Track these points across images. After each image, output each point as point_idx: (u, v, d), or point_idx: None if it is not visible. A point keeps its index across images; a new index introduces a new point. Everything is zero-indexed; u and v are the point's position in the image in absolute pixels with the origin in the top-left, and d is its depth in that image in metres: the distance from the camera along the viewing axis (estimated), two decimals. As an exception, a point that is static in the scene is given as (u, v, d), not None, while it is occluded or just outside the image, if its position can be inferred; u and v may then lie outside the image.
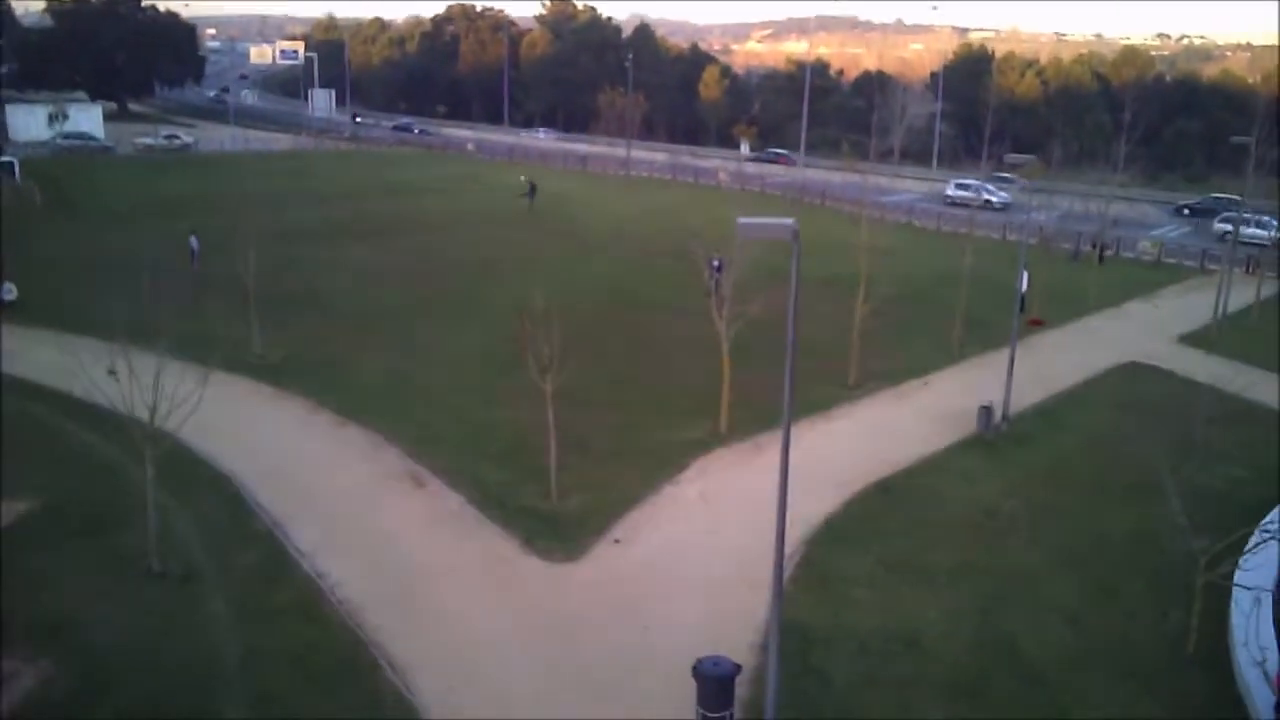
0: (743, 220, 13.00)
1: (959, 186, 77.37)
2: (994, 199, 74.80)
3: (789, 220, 12.85)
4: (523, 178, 64.26)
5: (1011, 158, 34.23)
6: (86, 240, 49.21)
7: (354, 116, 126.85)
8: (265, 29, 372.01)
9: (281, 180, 69.83)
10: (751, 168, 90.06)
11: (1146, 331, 39.03)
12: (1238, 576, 17.06)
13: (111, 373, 19.40)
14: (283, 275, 39.06)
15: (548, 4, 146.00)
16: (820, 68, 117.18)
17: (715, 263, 40.18)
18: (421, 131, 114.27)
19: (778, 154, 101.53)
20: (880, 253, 33.51)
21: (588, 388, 27.68)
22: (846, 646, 17.17)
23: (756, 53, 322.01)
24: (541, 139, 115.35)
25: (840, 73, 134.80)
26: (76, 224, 53.41)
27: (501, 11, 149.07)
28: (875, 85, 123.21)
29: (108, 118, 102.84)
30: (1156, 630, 17.94)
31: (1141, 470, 24.87)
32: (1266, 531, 20.84)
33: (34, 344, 32.01)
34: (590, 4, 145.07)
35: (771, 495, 21.73)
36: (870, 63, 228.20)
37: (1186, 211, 77.35)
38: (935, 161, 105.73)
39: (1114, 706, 15.91)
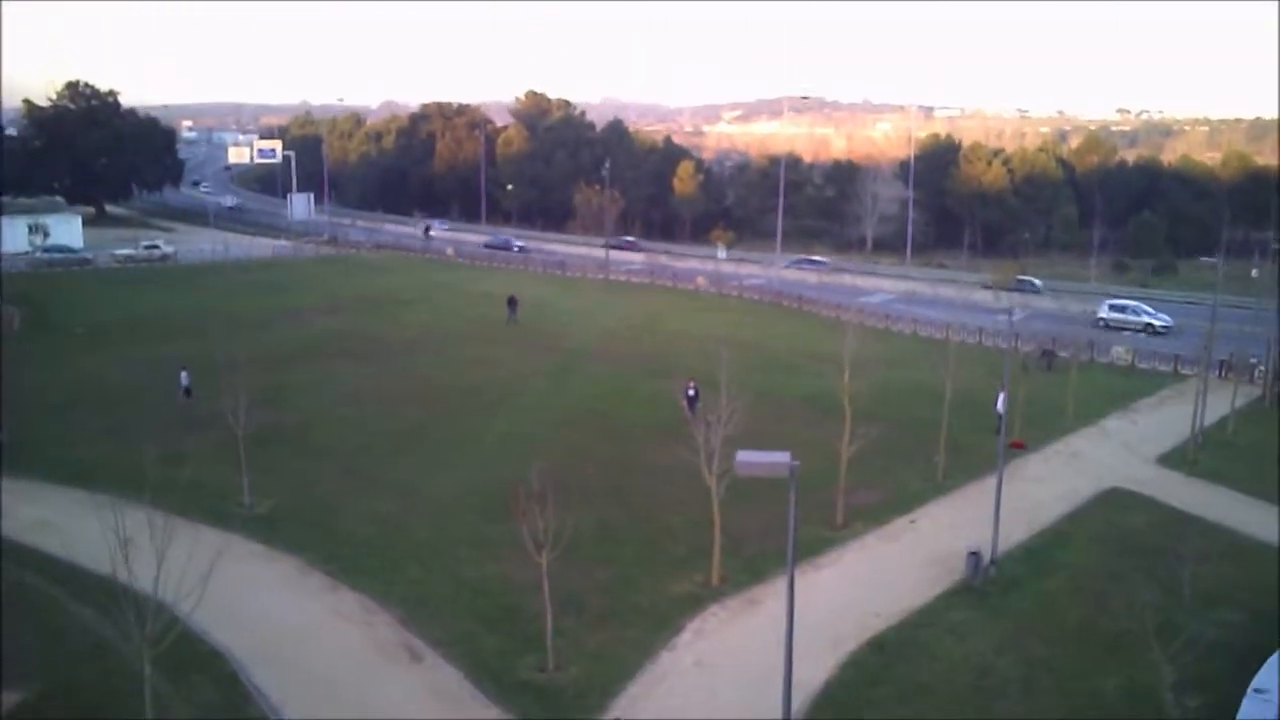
0: (741, 457, 13.42)
1: (1114, 309, 66.89)
2: (1155, 322, 65.54)
3: (785, 456, 13.26)
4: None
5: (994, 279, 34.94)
6: (70, 369, 49.26)
7: (426, 230, 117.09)
8: (241, 117, 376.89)
9: (263, 296, 70.25)
10: (728, 268, 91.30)
11: (1126, 452, 39.53)
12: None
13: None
14: (268, 407, 39.14)
15: (521, 98, 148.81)
16: (792, 161, 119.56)
17: (690, 390, 40.77)
18: (521, 249, 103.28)
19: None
20: (860, 364, 33.79)
21: (578, 535, 27.74)
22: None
23: (727, 134, 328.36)
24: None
25: (811, 165, 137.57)
26: (59, 350, 53.45)
27: (478, 109, 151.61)
28: (846, 175, 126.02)
29: (86, 222, 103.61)
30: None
31: (1130, 616, 25.24)
32: (1260, 693, 21.18)
33: (21, 499, 31.88)
34: (564, 97, 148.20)
35: (767, 659, 22.03)
36: (839, 143, 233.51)
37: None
38: (909, 252, 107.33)
39: None
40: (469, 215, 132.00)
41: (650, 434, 39.55)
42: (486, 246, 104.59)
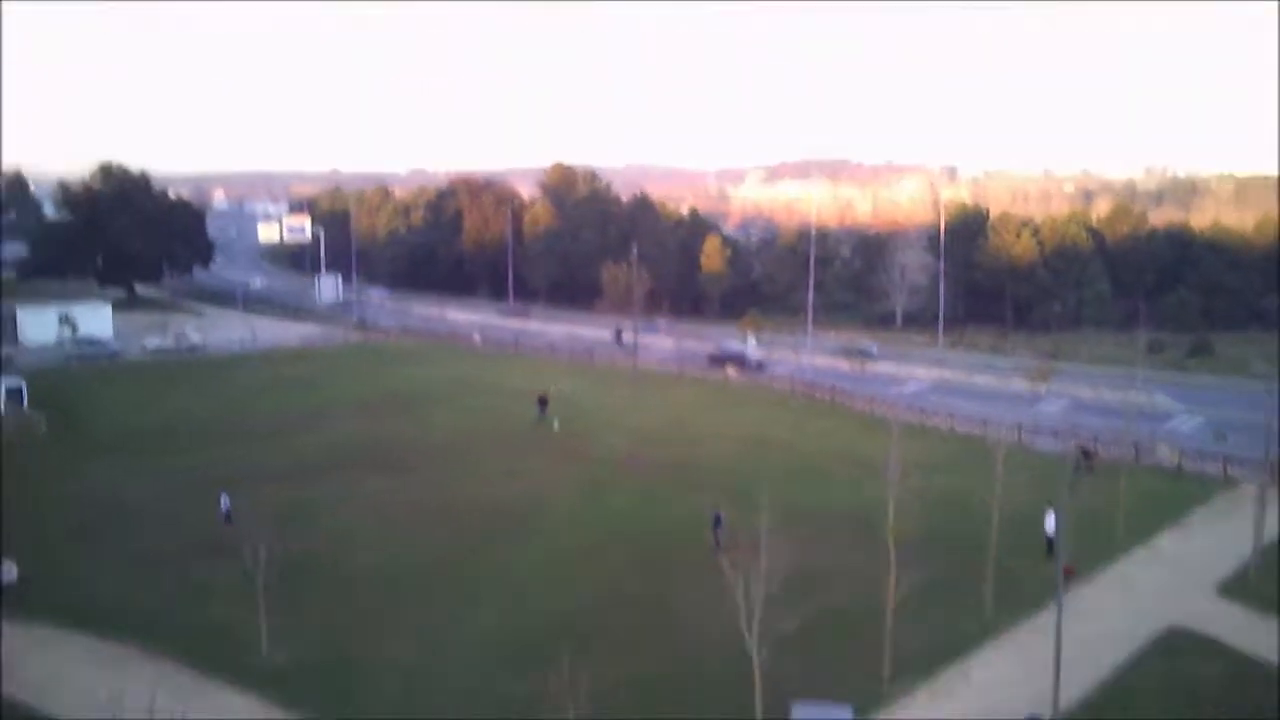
0: (797, 714, 12.18)
1: None
2: None
3: (847, 709, 12.07)
4: (551, 388, 63.92)
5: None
6: (94, 483, 48.55)
7: (618, 335, 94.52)
8: (272, 186, 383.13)
9: (291, 393, 69.80)
10: (757, 354, 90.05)
11: (1183, 580, 37.60)
12: None
13: None
14: (293, 529, 38.22)
15: (548, 170, 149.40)
16: (820, 235, 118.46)
17: (716, 516, 39.50)
18: (759, 365, 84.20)
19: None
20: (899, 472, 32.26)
21: (611, 684, 26.64)
22: None
23: (752, 198, 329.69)
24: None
25: (838, 237, 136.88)
26: (84, 458, 52.84)
27: (504, 184, 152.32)
28: (874, 247, 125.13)
29: (116, 305, 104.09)
30: None
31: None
32: None
33: (34, 647, 31.02)
34: (589, 166, 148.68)
35: None
36: (864, 205, 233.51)
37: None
38: (940, 328, 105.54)
39: None
40: (496, 293, 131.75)
41: (684, 561, 38.27)
42: (713, 360, 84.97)
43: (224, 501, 42.28)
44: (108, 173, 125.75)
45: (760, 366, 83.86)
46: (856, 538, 38.94)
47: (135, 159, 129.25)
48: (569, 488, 48.17)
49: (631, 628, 32.85)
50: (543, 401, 62.11)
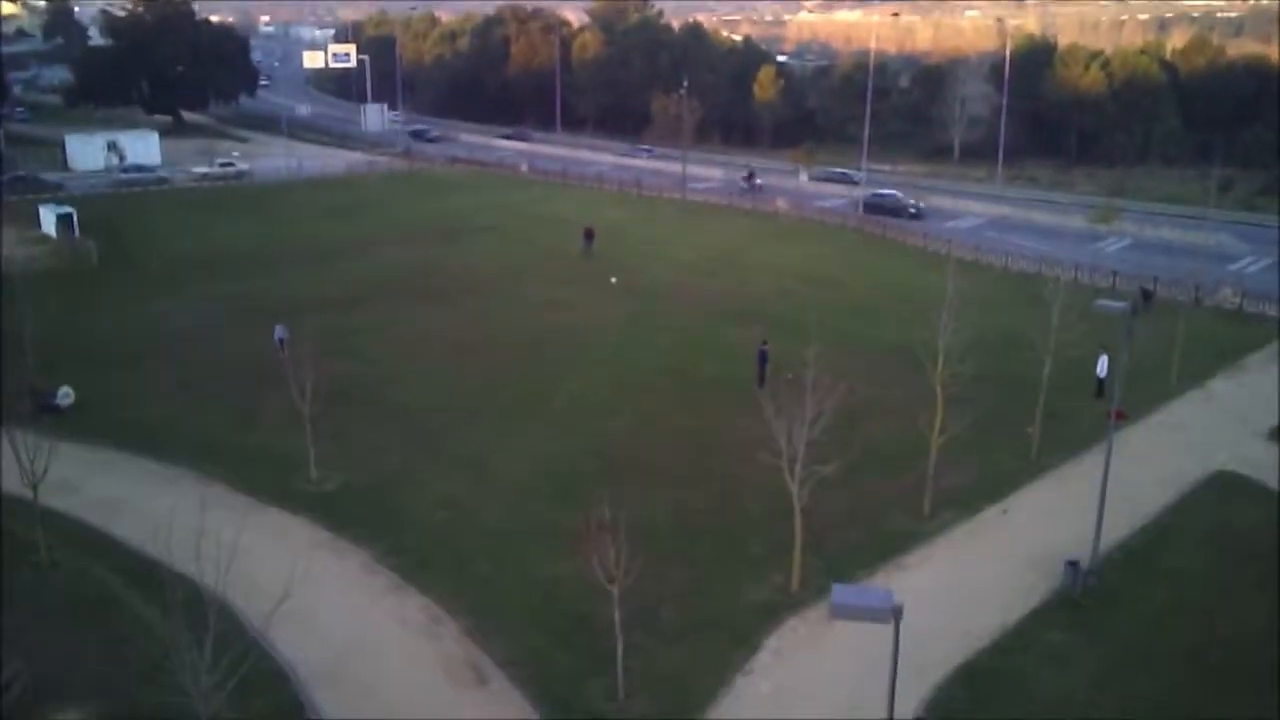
0: (838, 598, 11.86)
1: None
2: None
3: (888, 596, 11.74)
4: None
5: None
6: (145, 311, 49.03)
7: (749, 178, 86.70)
8: (317, 9, 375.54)
9: (335, 221, 69.64)
10: (810, 187, 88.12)
11: (1235, 424, 36.81)
12: None
13: None
14: (338, 357, 38.58)
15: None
16: (878, 64, 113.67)
17: (762, 351, 39.02)
18: (916, 210, 75.66)
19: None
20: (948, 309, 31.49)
21: (651, 519, 26.82)
22: None
23: (809, 23, 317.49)
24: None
25: (897, 67, 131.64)
26: (135, 288, 53.35)
27: (552, 11, 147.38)
28: (934, 79, 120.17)
29: (163, 132, 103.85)
30: None
31: (1241, 643, 23.59)
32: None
33: (90, 469, 31.53)
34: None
35: (850, 689, 20.98)
36: (925, 34, 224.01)
37: None
38: (1000, 161, 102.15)
39: None
40: (544, 123, 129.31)
41: (728, 396, 37.97)
42: (869, 209, 75.31)
43: (278, 331, 42.26)
44: None
45: (918, 215, 74.70)
46: (903, 374, 38.27)
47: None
48: (613, 320, 47.94)
49: (673, 460, 32.95)
50: (589, 234, 61.34)
